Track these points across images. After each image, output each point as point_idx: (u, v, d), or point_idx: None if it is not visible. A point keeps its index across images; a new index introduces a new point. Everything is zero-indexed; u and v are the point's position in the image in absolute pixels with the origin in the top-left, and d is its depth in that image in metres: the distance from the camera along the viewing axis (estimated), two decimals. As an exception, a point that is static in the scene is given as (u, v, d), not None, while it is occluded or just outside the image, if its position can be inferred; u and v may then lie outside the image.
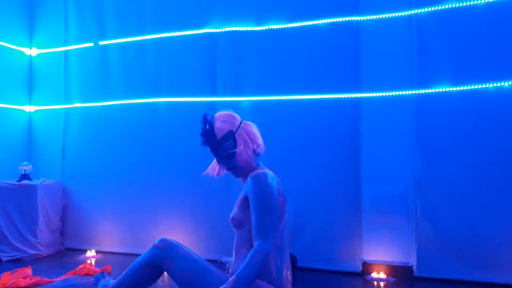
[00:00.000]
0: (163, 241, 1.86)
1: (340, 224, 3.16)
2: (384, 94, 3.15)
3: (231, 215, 1.83)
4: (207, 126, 1.80)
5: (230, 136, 1.78)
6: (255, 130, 1.86)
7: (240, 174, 1.83)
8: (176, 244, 1.85)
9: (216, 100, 3.56)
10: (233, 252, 1.86)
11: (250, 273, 1.57)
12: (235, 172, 1.83)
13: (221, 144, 1.77)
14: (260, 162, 1.89)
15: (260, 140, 1.86)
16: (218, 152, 1.79)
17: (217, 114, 1.86)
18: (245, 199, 1.76)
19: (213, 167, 1.99)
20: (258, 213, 1.66)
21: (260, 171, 1.75)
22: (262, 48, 3.43)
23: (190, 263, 1.78)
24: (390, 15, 3.16)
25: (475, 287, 2.79)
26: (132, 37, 3.84)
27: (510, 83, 2.82)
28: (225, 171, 1.93)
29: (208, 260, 1.95)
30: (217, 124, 1.80)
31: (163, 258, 1.81)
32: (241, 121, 1.85)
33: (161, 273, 1.90)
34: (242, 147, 1.77)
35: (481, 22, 2.90)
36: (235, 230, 1.83)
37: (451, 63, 2.97)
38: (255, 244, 1.64)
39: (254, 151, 1.82)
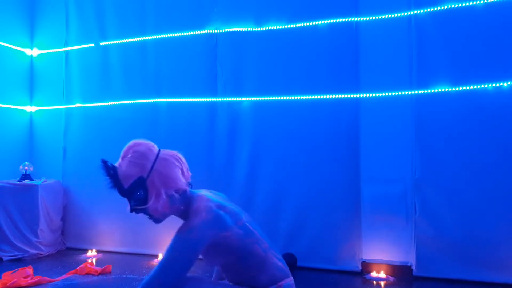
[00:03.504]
0: None
1: (340, 224, 3.17)
2: (383, 94, 3.16)
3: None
4: (111, 171, 1.46)
5: (140, 183, 1.45)
6: (174, 167, 1.52)
7: (162, 221, 1.57)
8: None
9: (217, 101, 3.57)
10: (231, 281, 1.69)
11: None
12: (155, 222, 1.56)
13: (130, 194, 1.46)
14: (190, 197, 1.57)
15: (181, 178, 1.53)
16: (129, 202, 1.49)
17: (127, 148, 1.52)
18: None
19: None
20: (153, 272, 1.42)
21: (192, 223, 1.45)
22: (262, 49, 3.44)
23: None
24: (389, 16, 3.18)
25: (474, 286, 2.80)
26: (133, 37, 3.85)
27: (509, 83, 2.83)
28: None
29: None
30: (124, 167, 1.46)
31: None
32: (156, 158, 1.50)
33: None
34: (153, 198, 1.46)
35: (480, 23, 2.91)
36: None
37: (450, 63, 2.98)
38: None
39: (174, 195, 1.50)
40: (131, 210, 1.50)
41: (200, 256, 1.60)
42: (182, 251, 1.43)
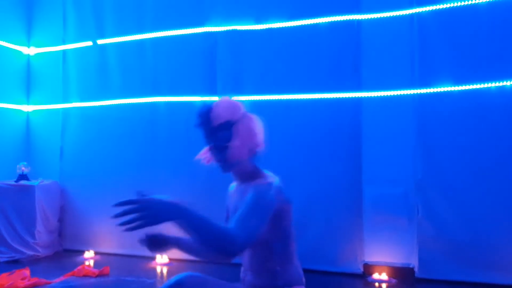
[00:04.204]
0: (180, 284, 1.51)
1: (341, 225, 3.14)
2: (385, 93, 3.13)
3: None
4: (205, 108, 1.60)
5: (227, 126, 1.57)
6: (257, 126, 1.64)
7: (228, 170, 1.62)
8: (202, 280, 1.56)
9: (216, 100, 3.53)
10: (251, 267, 1.63)
11: (200, 223, 1.24)
12: (223, 167, 1.62)
13: (215, 133, 1.57)
14: (258, 166, 1.68)
15: (260, 139, 1.64)
16: (211, 141, 1.60)
17: (221, 99, 1.66)
18: None
19: (206, 153, 1.73)
20: (247, 210, 1.41)
21: (267, 181, 1.55)
22: (262, 47, 3.41)
23: None
24: (392, 14, 3.14)
25: (477, 288, 2.78)
26: (131, 35, 3.81)
27: (512, 82, 2.81)
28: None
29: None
30: (217, 109, 1.59)
31: None
32: (245, 113, 1.62)
33: None
34: (237, 142, 1.56)
35: (482, 22, 2.88)
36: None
37: (452, 62, 2.95)
38: (231, 228, 1.33)
39: (250, 151, 1.61)
40: (213, 147, 1.59)
41: None
42: (265, 202, 1.46)
